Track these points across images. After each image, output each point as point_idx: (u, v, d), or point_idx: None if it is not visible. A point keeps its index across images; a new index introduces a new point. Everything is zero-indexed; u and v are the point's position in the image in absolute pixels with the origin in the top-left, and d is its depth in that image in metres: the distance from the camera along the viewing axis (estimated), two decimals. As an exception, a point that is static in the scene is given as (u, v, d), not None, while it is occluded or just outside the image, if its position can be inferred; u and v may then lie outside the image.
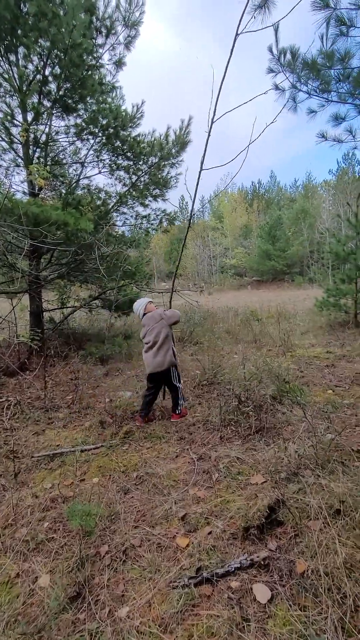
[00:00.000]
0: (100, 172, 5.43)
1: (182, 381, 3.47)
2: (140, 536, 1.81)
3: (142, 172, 5.33)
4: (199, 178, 2.82)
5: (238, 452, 2.50)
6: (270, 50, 2.73)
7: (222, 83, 2.39)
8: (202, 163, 2.66)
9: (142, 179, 5.41)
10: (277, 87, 3.14)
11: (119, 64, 4.87)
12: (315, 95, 2.97)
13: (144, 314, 3.44)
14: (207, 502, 2.00)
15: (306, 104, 3.17)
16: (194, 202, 2.91)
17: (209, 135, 2.57)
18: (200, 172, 2.75)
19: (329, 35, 2.63)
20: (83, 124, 4.70)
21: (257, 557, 1.57)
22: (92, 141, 5.09)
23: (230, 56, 2.24)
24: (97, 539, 1.82)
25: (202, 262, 40.25)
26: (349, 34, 2.80)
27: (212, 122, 2.41)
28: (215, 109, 2.41)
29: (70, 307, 6.47)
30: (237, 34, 2.06)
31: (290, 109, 3.31)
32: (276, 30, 2.53)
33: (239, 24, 2.03)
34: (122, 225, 6.34)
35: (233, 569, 1.53)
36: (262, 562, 1.55)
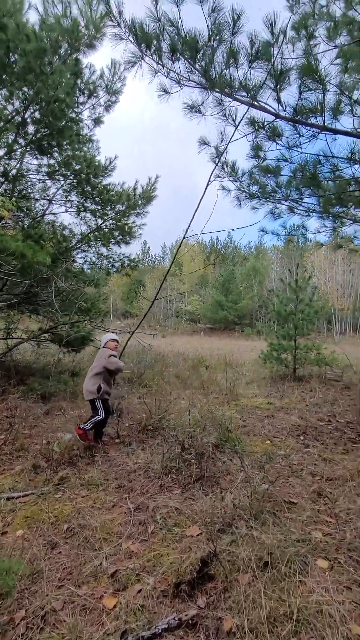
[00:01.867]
0: (67, 211, 5.60)
1: (103, 414, 3.63)
2: (63, 597, 1.67)
3: (109, 217, 5.60)
4: (177, 249, 3.11)
5: (177, 502, 2.48)
6: (213, 161, 3.34)
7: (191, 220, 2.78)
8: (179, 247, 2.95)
9: (107, 223, 5.68)
10: (223, 188, 3.78)
11: (97, 121, 5.32)
12: (256, 197, 3.59)
13: (103, 347, 3.90)
14: (140, 557, 1.93)
15: (250, 202, 3.81)
16: (171, 264, 3.22)
17: (180, 244, 2.91)
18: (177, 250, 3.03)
19: (263, 153, 3.25)
20: (56, 166, 4.93)
21: (186, 615, 1.53)
22: (62, 182, 5.31)
23: (201, 198, 2.69)
24: (13, 603, 1.64)
25: (159, 305, 41.01)
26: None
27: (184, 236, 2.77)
28: (188, 227, 2.83)
29: (16, 338, 6.15)
30: (208, 183, 2.52)
31: (235, 205, 3.98)
32: (217, 148, 3.12)
33: (210, 175, 2.48)
34: (83, 263, 6.43)
35: (160, 631, 1.47)
36: (190, 621, 1.52)
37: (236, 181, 4.05)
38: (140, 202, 5.71)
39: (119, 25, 2.43)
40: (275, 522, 2.17)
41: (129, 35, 2.35)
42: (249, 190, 4.03)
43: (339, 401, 5.55)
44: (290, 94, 2.30)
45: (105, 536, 2.14)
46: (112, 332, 4.15)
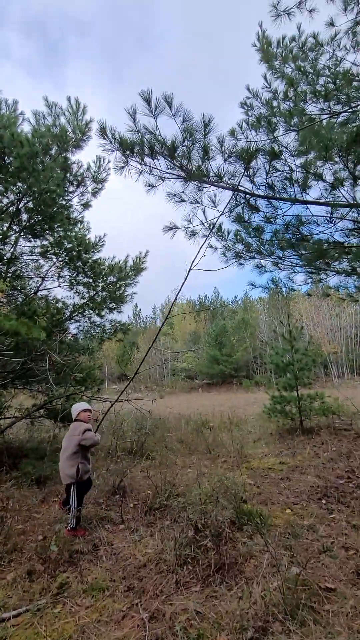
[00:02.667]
0: (59, 286, 5.81)
1: (77, 505, 3.29)
2: None
3: (101, 288, 5.81)
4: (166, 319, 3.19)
5: (197, 603, 2.13)
6: (202, 223, 3.67)
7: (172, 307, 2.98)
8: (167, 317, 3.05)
9: (100, 293, 5.86)
10: (210, 246, 4.11)
11: (86, 205, 5.84)
12: (242, 254, 3.87)
13: (75, 419, 3.53)
14: None
15: (235, 258, 4.09)
16: (162, 325, 3.24)
17: (164, 322, 3.05)
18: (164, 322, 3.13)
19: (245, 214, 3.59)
20: (48, 246, 5.24)
21: None
22: (55, 260, 5.59)
23: (183, 283, 2.93)
24: None
25: (154, 365, 40.57)
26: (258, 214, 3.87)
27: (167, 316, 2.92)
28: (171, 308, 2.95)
29: (9, 417, 5.85)
30: (190, 269, 2.77)
31: (222, 262, 4.27)
32: (204, 211, 3.48)
33: (193, 260, 2.74)
34: (76, 333, 6.46)
35: None
36: None
37: (222, 240, 4.33)
38: (131, 273, 6.00)
39: (110, 142, 2.83)
40: (316, 619, 1.86)
41: (115, 146, 2.73)
42: (235, 249, 4.28)
43: (354, 453, 5.24)
44: (261, 177, 2.64)
45: (117, 663, 1.78)
46: (83, 402, 3.77)
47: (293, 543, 2.68)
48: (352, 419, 7.47)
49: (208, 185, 2.73)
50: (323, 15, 4.61)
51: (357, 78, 4.29)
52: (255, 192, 2.70)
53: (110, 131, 2.70)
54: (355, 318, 33.31)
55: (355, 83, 4.30)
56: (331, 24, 4.62)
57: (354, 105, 3.49)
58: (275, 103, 4.40)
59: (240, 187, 2.69)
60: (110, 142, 2.71)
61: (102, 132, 2.68)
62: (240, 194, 2.74)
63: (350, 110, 3.86)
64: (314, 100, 4.36)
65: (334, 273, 3.80)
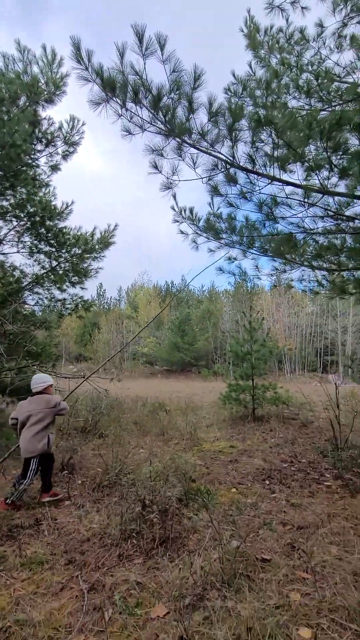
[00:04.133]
0: (18, 252, 5.40)
1: (32, 478, 3.28)
2: None
3: (64, 260, 5.49)
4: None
5: (139, 575, 2.15)
6: (173, 208, 3.57)
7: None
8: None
9: (62, 265, 5.55)
10: (181, 232, 4.00)
11: (54, 168, 5.42)
12: (212, 240, 3.84)
13: (40, 392, 3.42)
14: (96, 656, 1.58)
15: (207, 244, 4.06)
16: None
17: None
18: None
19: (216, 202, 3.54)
20: (9, 207, 4.82)
21: None
22: (15, 223, 5.17)
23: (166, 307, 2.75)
24: None
25: (115, 348, 40.04)
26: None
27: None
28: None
29: None
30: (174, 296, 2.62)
31: (192, 248, 4.20)
32: (174, 196, 3.36)
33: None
34: (34, 305, 6.10)
35: None
36: None
37: (193, 225, 4.26)
38: (97, 247, 5.73)
39: (86, 69, 2.55)
40: (251, 586, 1.95)
41: (95, 78, 2.47)
42: (206, 235, 4.24)
43: (298, 440, 5.58)
44: (244, 151, 2.59)
45: (51, 633, 1.74)
46: (45, 375, 3.65)
47: (236, 519, 2.79)
48: (299, 410, 7.93)
49: (189, 146, 2.62)
50: (314, 14, 4.61)
51: (338, 79, 4.37)
52: (236, 163, 2.65)
53: (87, 55, 2.42)
54: (311, 318, 35.25)
55: (336, 84, 4.37)
56: (320, 25, 4.64)
57: (334, 104, 3.55)
58: (258, 92, 4.36)
59: (221, 155, 2.63)
60: (86, 69, 2.44)
61: (77, 53, 2.39)
62: (221, 162, 2.68)
63: (331, 109, 3.93)
64: (297, 96, 4.38)
65: (299, 266, 3.92)
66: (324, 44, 4.25)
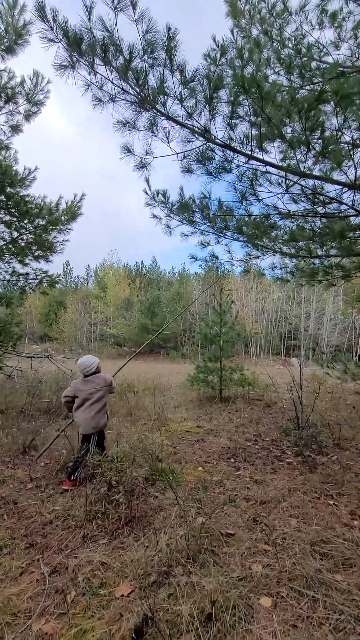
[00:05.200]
0: (-26, 220, 4.92)
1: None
2: None
3: (26, 231, 5.09)
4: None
5: (103, 555, 2.12)
6: (146, 192, 3.38)
7: None
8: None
9: (25, 237, 5.14)
10: (154, 216, 3.81)
11: (15, 129, 4.92)
12: (185, 224, 3.71)
13: (94, 373, 3.53)
14: (57, 640, 1.54)
15: (180, 228, 3.92)
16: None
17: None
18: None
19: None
20: None
21: None
22: (-30, 188, 4.67)
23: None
24: None
25: (82, 328, 39.03)
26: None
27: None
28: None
29: None
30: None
31: (166, 233, 4.02)
32: (147, 180, 3.18)
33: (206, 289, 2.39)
34: (-8, 279, 5.66)
35: None
36: None
37: (166, 208, 4.10)
38: (64, 218, 5.36)
39: (51, 29, 2.26)
40: (215, 561, 1.99)
41: (59, 36, 2.19)
42: (179, 219, 4.10)
43: (262, 420, 5.79)
44: (222, 126, 2.45)
45: (9, 619, 1.67)
46: (93, 357, 3.69)
47: (202, 496, 2.83)
48: (264, 391, 8.23)
49: (163, 118, 2.44)
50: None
51: (318, 57, 4.28)
52: (213, 137, 2.51)
53: (52, 13, 2.15)
54: (277, 304, 36.43)
55: (316, 62, 4.29)
56: None
57: (315, 81, 3.48)
58: (238, 63, 4.17)
59: (196, 128, 2.48)
60: (51, 28, 2.16)
61: (40, 11, 2.12)
62: (197, 136, 2.53)
63: (309, 87, 3.85)
64: (277, 70, 4.25)
65: (271, 252, 3.93)
66: (306, 18, 4.11)
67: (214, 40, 3.32)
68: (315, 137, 2.35)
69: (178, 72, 2.20)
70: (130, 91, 2.24)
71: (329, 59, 4.01)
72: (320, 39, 4.38)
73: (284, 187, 2.67)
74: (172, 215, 4.09)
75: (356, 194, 2.61)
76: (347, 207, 2.85)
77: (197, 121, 2.43)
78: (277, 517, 2.49)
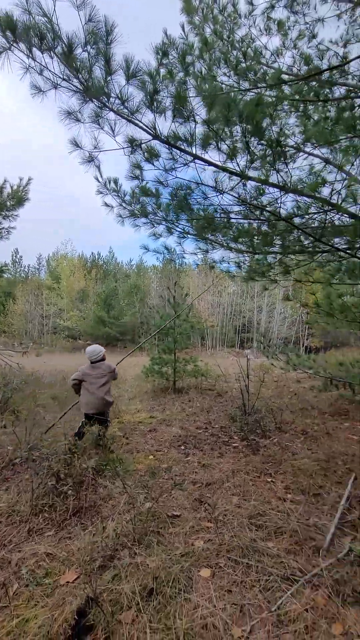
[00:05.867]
0: None
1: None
2: None
3: (-34, 215, 4.71)
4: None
5: (49, 546, 2.12)
6: (97, 179, 3.31)
7: None
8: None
9: (-36, 221, 4.75)
10: (106, 204, 3.74)
11: None
12: (138, 216, 3.68)
13: (101, 360, 4.18)
14: (-3, 632, 1.53)
15: (132, 219, 3.86)
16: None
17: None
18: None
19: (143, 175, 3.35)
20: None
21: None
22: None
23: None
24: None
25: (33, 321, 37.02)
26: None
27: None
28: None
29: None
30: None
31: (118, 222, 3.97)
32: (98, 167, 3.11)
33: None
34: None
35: None
36: None
37: (118, 197, 4.03)
38: (9, 203, 5.03)
39: None
40: (160, 541, 2.09)
41: None
42: (132, 208, 4.07)
43: (213, 408, 6.04)
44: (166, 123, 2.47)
45: None
46: (99, 346, 4.33)
47: (149, 482, 2.92)
48: (215, 381, 8.56)
49: (108, 110, 2.39)
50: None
51: (264, 61, 4.45)
52: (158, 135, 2.51)
53: None
54: (232, 297, 37.69)
55: (264, 67, 4.46)
56: (250, 3, 4.57)
57: (260, 86, 3.64)
58: (189, 59, 4.20)
59: (142, 124, 2.46)
60: None
61: None
62: (143, 132, 2.53)
63: (255, 90, 4.00)
64: (226, 73, 4.35)
65: (220, 247, 4.08)
66: (254, 23, 4.25)
67: (166, 34, 3.32)
68: (256, 142, 2.48)
69: (124, 64, 2.17)
70: (74, 83, 2.16)
71: (276, 65, 4.22)
72: (267, 45, 4.56)
73: (225, 187, 2.79)
74: (124, 205, 4.04)
75: (287, 195, 2.81)
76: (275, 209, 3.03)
77: (140, 121, 2.42)
78: (220, 497, 2.67)
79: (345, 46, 4.17)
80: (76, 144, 2.58)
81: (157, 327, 7.43)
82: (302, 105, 3.84)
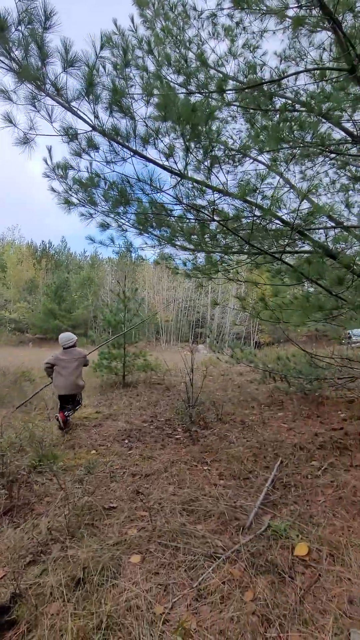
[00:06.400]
0: None
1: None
2: None
3: None
4: None
5: (-25, 549, 2.04)
6: (46, 161, 3.16)
7: None
8: None
9: None
10: (53, 190, 3.57)
11: None
12: (85, 205, 3.57)
13: (72, 346, 4.68)
14: None
15: (79, 208, 3.71)
16: None
17: None
18: None
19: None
20: None
21: None
22: None
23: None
24: None
25: (-27, 312, 34.14)
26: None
27: None
28: None
29: None
30: None
31: (65, 211, 3.80)
32: (49, 149, 2.98)
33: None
34: None
35: None
36: None
37: (65, 184, 3.88)
38: None
39: None
40: (94, 532, 2.13)
41: None
42: (77, 196, 3.95)
43: (160, 402, 6.15)
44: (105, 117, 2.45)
45: None
46: (72, 334, 4.82)
47: (86, 477, 2.93)
48: (164, 375, 8.70)
49: (44, 95, 2.30)
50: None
51: (212, 66, 4.56)
52: (98, 127, 2.48)
53: None
54: (187, 293, 38.24)
55: (212, 71, 4.57)
56: (194, 8, 4.61)
57: (203, 92, 3.74)
58: (139, 53, 4.16)
59: (80, 113, 2.42)
60: None
61: None
62: (82, 121, 2.47)
63: (202, 95, 4.10)
64: (175, 72, 4.38)
65: (165, 243, 4.15)
66: (202, 26, 4.34)
67: (115, 24, 3.26)
68: (198, 145, 2.58)
69: (63, 50, 2.10)
70: (5, 60, 2.05)
71: (224, 70, 4.35)
72: (216, 49, 4.66)
73: (162, 185, 2.86)
74: (70, 192, 3.90)
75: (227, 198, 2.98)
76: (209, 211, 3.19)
77: (78, 109, 2.37)
78: (157, 487, 2.77)
79: (283, 61, 4.43)
80: (9, 120, 2.43)
81: (106, 321, 7.33)
82: (247, 112, 4.02)
